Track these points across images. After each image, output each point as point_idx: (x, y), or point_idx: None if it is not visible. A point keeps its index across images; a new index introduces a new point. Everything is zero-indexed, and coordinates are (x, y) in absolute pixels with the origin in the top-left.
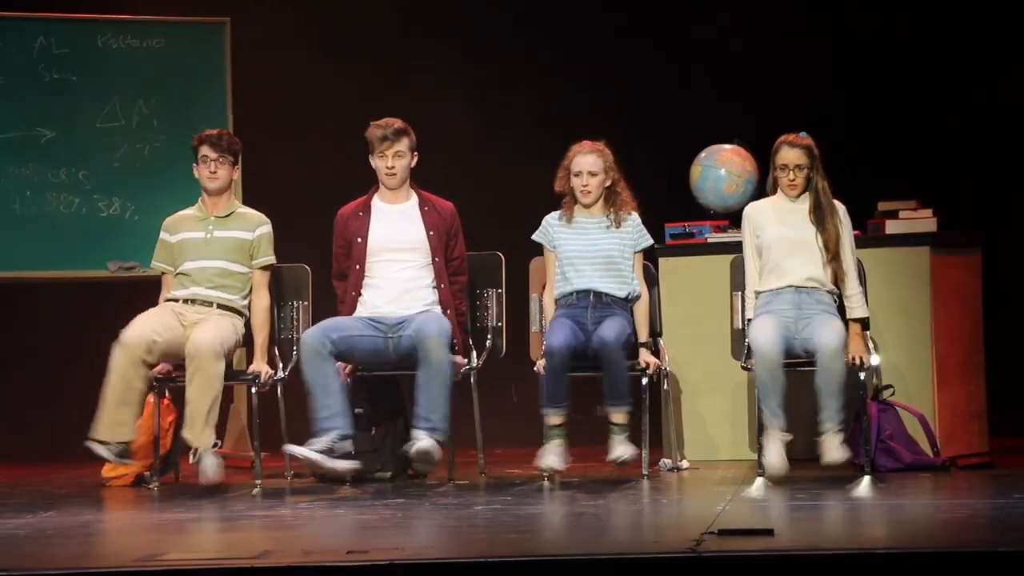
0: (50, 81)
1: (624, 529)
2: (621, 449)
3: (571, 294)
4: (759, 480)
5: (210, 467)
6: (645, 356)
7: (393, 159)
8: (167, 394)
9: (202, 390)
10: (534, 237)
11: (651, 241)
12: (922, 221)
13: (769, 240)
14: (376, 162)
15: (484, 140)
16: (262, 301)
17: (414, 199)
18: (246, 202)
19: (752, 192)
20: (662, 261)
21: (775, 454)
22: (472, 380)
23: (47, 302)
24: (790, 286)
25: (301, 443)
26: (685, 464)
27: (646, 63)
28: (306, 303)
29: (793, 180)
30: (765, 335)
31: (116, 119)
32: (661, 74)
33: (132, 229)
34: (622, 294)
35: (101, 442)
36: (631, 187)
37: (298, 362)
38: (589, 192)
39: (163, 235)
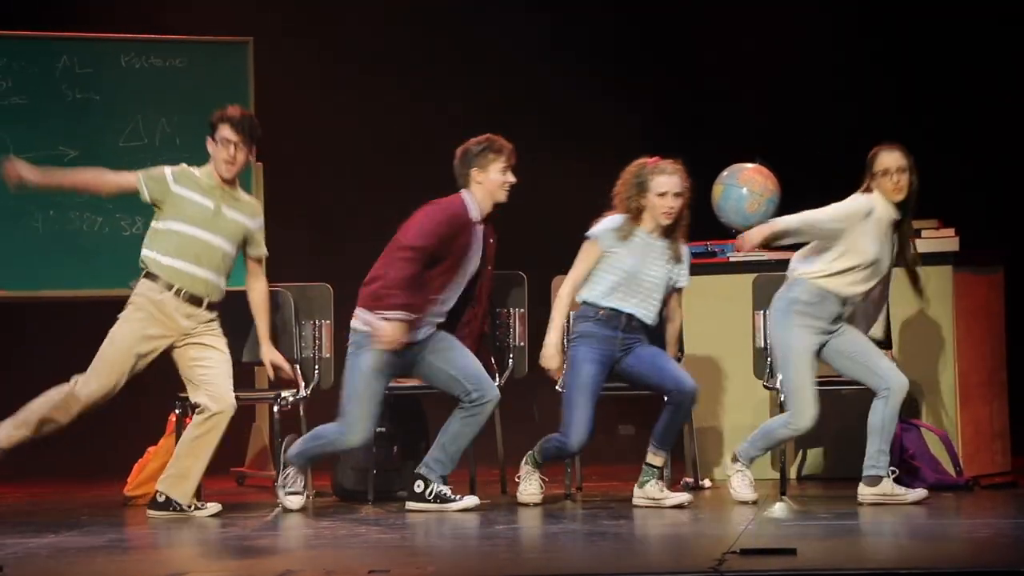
0: (73, 100)
1: (646, 549)
2: (677, 495)
3: (607, 309)
4: (780, 502)
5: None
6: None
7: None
8: (189, 413)
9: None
10: (593, 231)
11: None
12: (945, 240)
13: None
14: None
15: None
16: (264, 287)
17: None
18: (271, 221)
19: (774, 211)
20: None
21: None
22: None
23: (70, 321)
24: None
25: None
26: (707, 483)
27: (668, 80)
28: (328, 322)
29: (898, 183)
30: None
31: (139, 138)
32: (684, 91)
33: None
34: (650, 322)
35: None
36: None
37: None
38: (672, 214)
39: (168, 175)
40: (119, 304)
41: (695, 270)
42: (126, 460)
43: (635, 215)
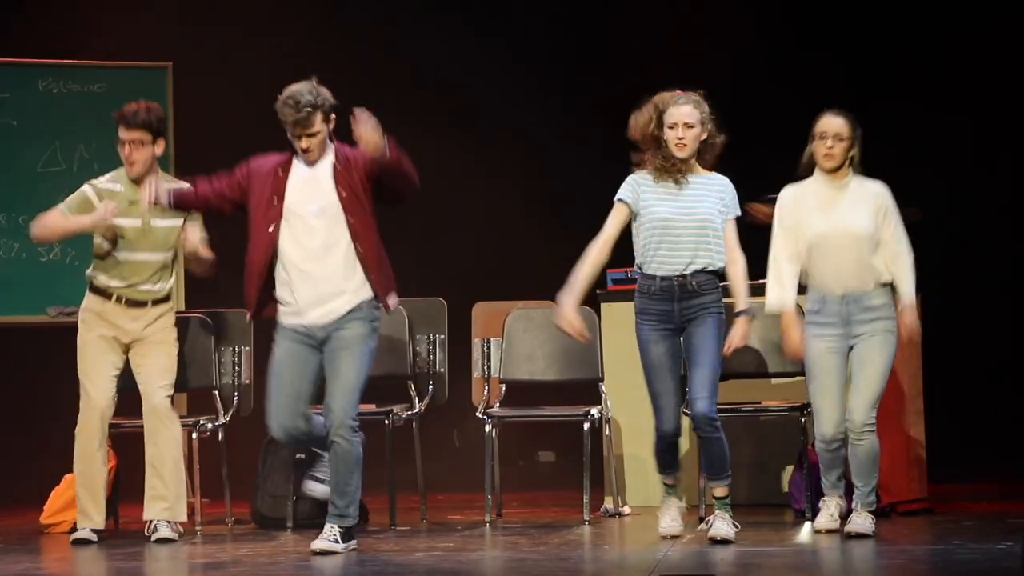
0: None
1: (566, 575)
2: (723, 528)
3: (654, 278)
4: (702, 525)
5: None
6: (739, 330)
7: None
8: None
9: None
10: (620, 195)
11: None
12: None
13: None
14: None
15: (428, 186)
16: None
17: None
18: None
19: None
20: (604, 306)
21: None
22: (414, 425)
23: None
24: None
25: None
26: (627, 509)
27: (605, 97)
28: (248, 348)
29: (831, 149)
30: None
31: (57, 163)
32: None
33: (72, 274)
34: (716, 267)
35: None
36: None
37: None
38: (684, 145)
39: (89, 194)
40: (36, 331)
41: (615, 297)
42: (42, 488)
43: (655, 147)
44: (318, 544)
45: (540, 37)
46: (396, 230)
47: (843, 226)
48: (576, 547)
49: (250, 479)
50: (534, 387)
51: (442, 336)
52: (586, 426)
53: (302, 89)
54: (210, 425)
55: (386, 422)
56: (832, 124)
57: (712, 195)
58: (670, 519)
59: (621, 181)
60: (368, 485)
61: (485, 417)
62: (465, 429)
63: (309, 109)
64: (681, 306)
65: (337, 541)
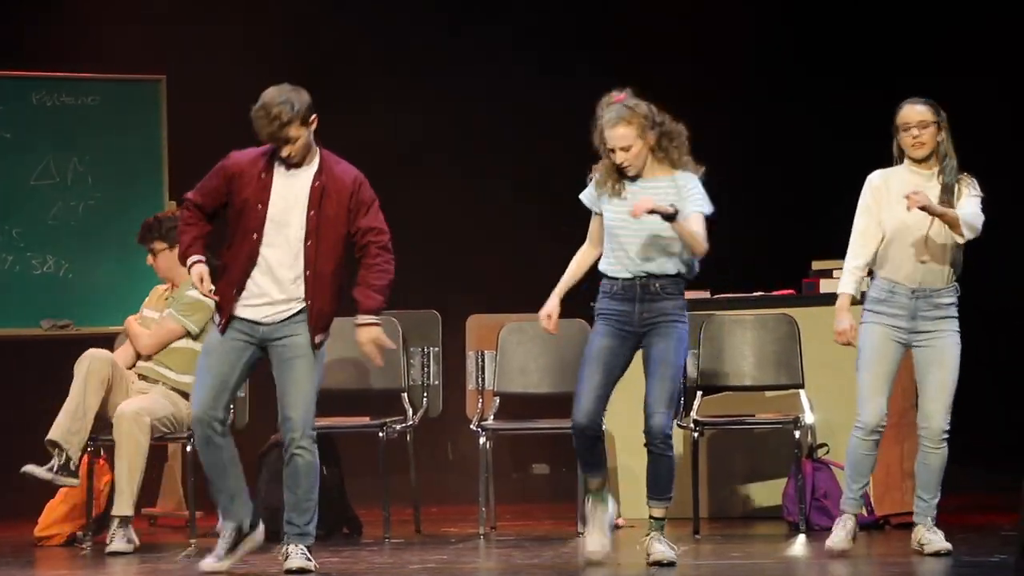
0: None
1: None
2: (664, 551)
3: (616, 280)
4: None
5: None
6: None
7: None
8: (102, 454)
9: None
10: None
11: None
12: None
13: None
14: None
15: (425, 193)
16: None
17: None
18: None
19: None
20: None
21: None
22: (408, 438)
23: None
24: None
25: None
26: (620, 521)
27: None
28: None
29: (918, 137)
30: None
31: (50, 176)
32: None
33: (66, 287)
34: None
35: (53, 445)
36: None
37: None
38: (629, 165)
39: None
40: (30, 344)
41: None
42: (37, 501)
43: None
44: (294, 563)
45: (542, 46)
46: (391, 242)
47: (926, 218)
48: (570, 559)
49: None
50: (528, 399)
51: (436, 349)
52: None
53: (275, 98)
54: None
55: (380, 435)
56: (914, 112)
57: (666, 200)
58: (598, 538)
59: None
60: (362, 497)
61: (479, 429)
62: (459, 441)
63: (281, 122)
64: (642, 308)
65: (309, 559)
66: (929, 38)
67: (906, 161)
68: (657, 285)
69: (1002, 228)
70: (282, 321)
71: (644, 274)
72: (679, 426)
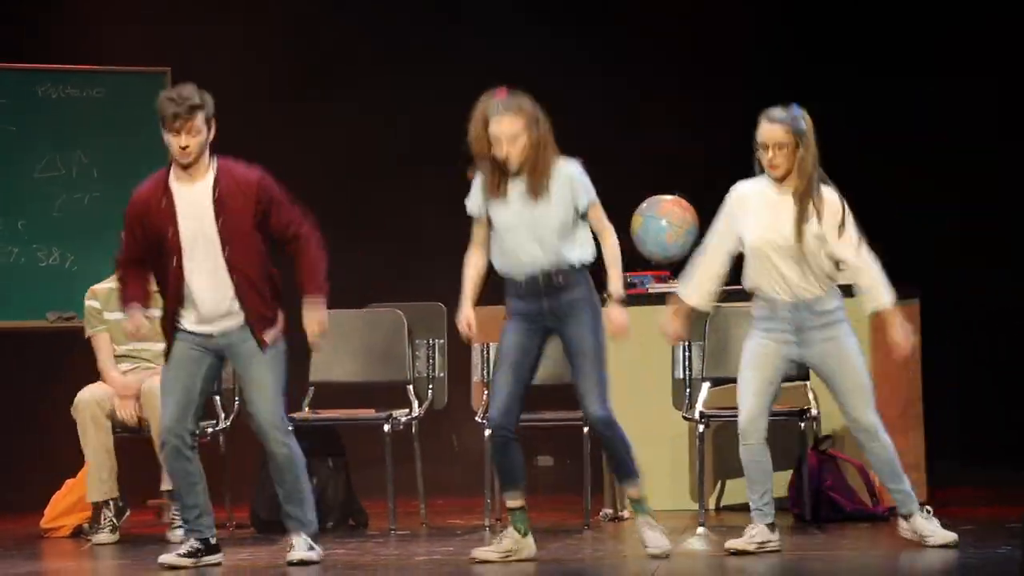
0: None
1: None
2: (658, 540)
3: (517, 280)
4: (699, 530)
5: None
6: (614, 317)
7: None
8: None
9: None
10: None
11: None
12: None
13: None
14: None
15: (428, 187)
16: None
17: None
18: None
19: (693, 243)
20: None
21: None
22: (413, 430)
23: None
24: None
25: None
26: (626, 514)
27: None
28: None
29: (772, 159)
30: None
31: (55, 169)
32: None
33: (71, 279)
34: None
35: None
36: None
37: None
38: (513, 159)
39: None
40: (36, 336)
41: None
42: (42, 493)
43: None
44: (296, 555)
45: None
46: (395, 235)
47: (787, 233)
48: (575, 552)
49: (250, 483)
50: (533, 391)
51: (441, 341)
52: (585, 430)
53: (184, 88)
54: (210, 430)
55: (385, 427)
56: (769, 133)
57: (552, 195)
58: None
59: (621, 188)
60: (367, 490)
61: (484, 421)
62: (464, 434)
63: (191, 104)
64: (549, 302)
65: (312, 548)
66: (929, 37)
67: (767, 175)
68: (560, 278)
69: (1002, 227)
70: (232, 331)
71: (541, 271)
72: (685, 418)
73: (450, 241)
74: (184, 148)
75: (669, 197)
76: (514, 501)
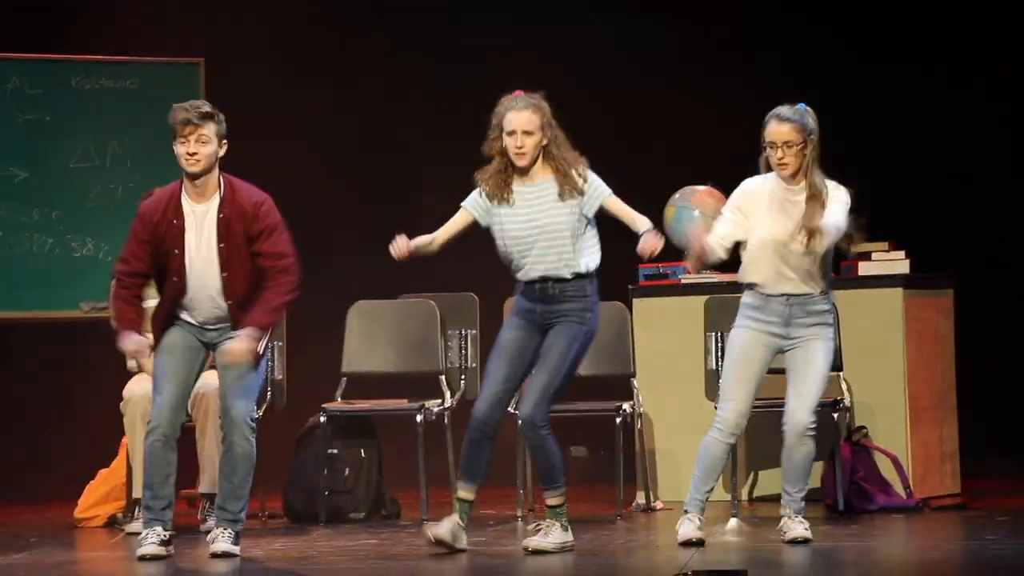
0: (23, 122)
1: (598, 570)
2: (537, 540)
3: (520, 282)
4: (733, 521)
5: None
6: (647, 242)
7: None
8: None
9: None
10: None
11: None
12: (895, 262)
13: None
14: None
15: (461, 175)
16: None
17: None
18: None
19: None
20: (636, 302)
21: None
22: (446, 420)
23: (20, 343)
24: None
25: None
26: (659, 504)
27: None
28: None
29: (782, 159)
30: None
31: (90, 159)
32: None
33: (105, 269)
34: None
35: None
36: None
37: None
38: (524, 154)
39: None
40: (70, 325)
41: (647, 292)
42: (77, 482)
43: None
44: (219, 547)
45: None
46: (427, 226)
47: (792, 231)
48: (608, 542)
49: (282, 473)
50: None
51: (474, 331)
52: (618, 421)
53: (198, 101)
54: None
55: (418, 417)
56: (779, 132)
57: (562, 198)
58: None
59: (645, 177)
60: (400, 480)
61: (516, 412)
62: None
63: (202, 112)
64: (543, 308)
65: (236, 543)
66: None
67: (775, 172)
68: (557, 289)
69: (1002, 228)
70: (224, 328)
71: (539, 279)
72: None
73: (482, 232)
74: (192, 155)
75: (702, 187)
76: (467, 493)
